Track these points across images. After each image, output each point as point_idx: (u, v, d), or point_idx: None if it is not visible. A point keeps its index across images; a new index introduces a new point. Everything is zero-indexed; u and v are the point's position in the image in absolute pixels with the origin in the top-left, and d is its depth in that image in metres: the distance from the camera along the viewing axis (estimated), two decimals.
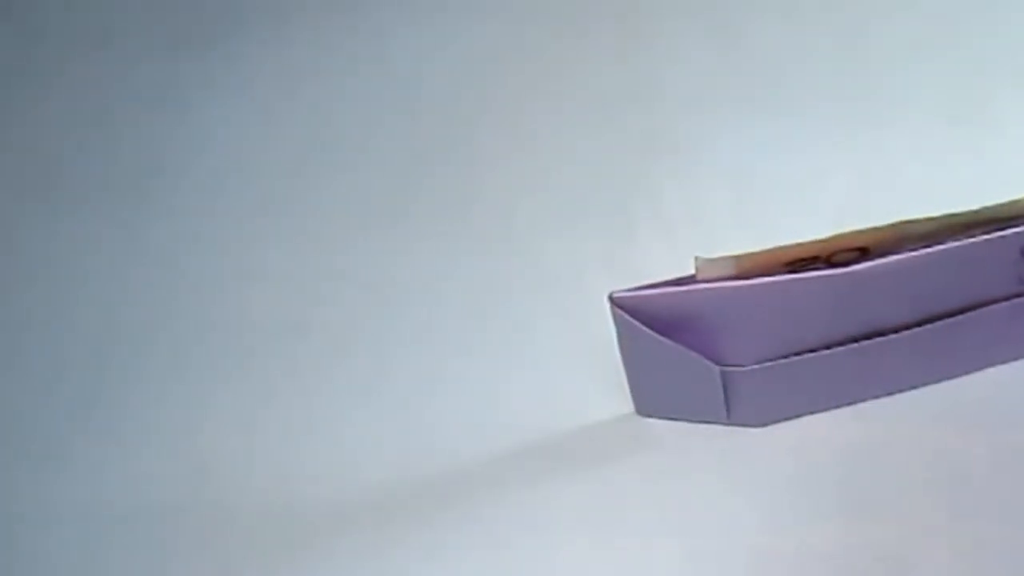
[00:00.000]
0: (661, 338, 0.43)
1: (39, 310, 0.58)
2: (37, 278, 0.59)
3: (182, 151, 0.63)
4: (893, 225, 0.41)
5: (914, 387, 0.48)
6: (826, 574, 0.44)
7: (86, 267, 0.59)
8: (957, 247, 0.42)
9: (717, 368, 0.44)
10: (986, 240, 0.42)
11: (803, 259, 0.41)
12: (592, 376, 0.50)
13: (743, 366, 0.44)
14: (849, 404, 0.48)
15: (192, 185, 0.61)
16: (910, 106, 0.57)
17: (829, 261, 0.41)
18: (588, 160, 0.58)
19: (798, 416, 0.47)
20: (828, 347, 0.44)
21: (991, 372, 0.48)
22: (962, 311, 0.45)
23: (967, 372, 0.48)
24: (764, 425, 0.47)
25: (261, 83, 0.65)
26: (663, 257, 0.49)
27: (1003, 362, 0.48)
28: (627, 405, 0.49)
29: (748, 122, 0.58)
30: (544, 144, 0.60)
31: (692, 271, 0.43)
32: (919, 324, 0.44)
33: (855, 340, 0.44)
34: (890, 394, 0.48)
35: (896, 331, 0.44)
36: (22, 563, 0.49)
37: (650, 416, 0.48)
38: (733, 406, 0.46)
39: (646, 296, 0.43)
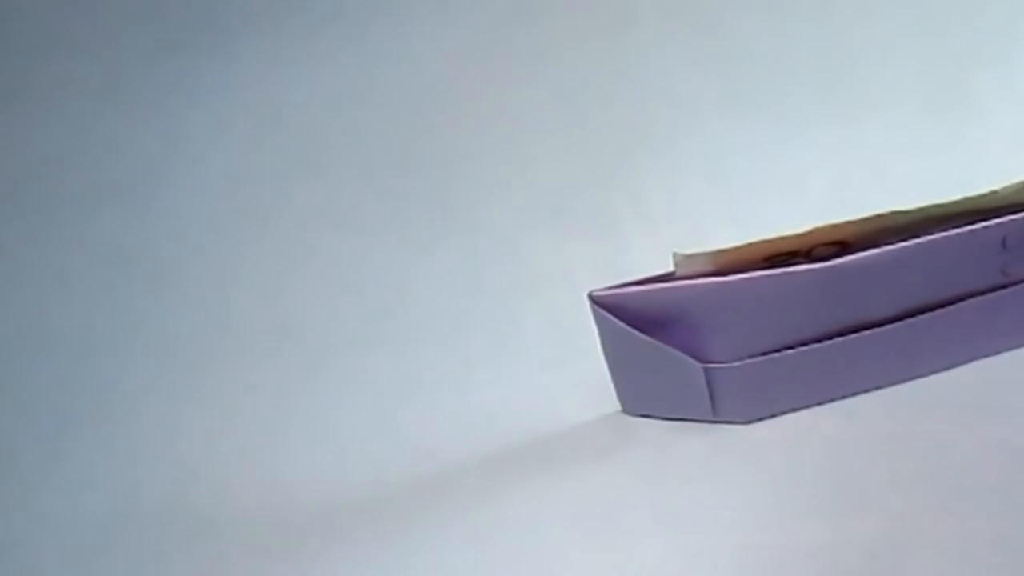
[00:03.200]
0: (643, 336, 0.43)
1: (26, 313, 0.58)
2: (24, 281, 0.59)
3: (172, 154, 0.63)
4: (872, 218, 0.41)
5: (899, 381, 0.47)
6: (815, 570, 0.44)
7: (73, 271, 0.59)
8: (937, 239, 0.41)
9: (700, 366, 0.44)
10: (967, 231, 0.42)
11: (782, 254, 0.41)
12: (578, 375, 0.50)
13: (727, 363, 0.44)
14: (834, 399, 0.48)
15: (181, 188, 0.61)
16: (890, 99, 0.57)
17: (808, 256, 0.41)
18: (570, 159, 0.59)
19: (783, 412, 0.47)
20: (811, 342, 0.44)
21: (977, 365, 0.48)
22: (945, 304, 0.44)
23: (952, 366, 0.47)
24: (750, 422, 0.47)
25: (250, 87, 0.65)
26: (646, 255, 0.48)
27: (987, 355, 0.48)
28: (613, 404, 0.49)
29: (730, 119, 0.58)
30: (527, 143, 0.60)
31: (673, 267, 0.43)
32: (902, 318, 0.44)
33: (838, 335, 0.44)
34: (875, 389, 0.48)
35: (879, 325, 0.44)
36: (7, 572, 0.49)
37: (637, 415, 0.48)
38: (718, 403, 0.46)
39: (626, 294, 0.43)
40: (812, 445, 0.47)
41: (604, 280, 0.45)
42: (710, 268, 0.41)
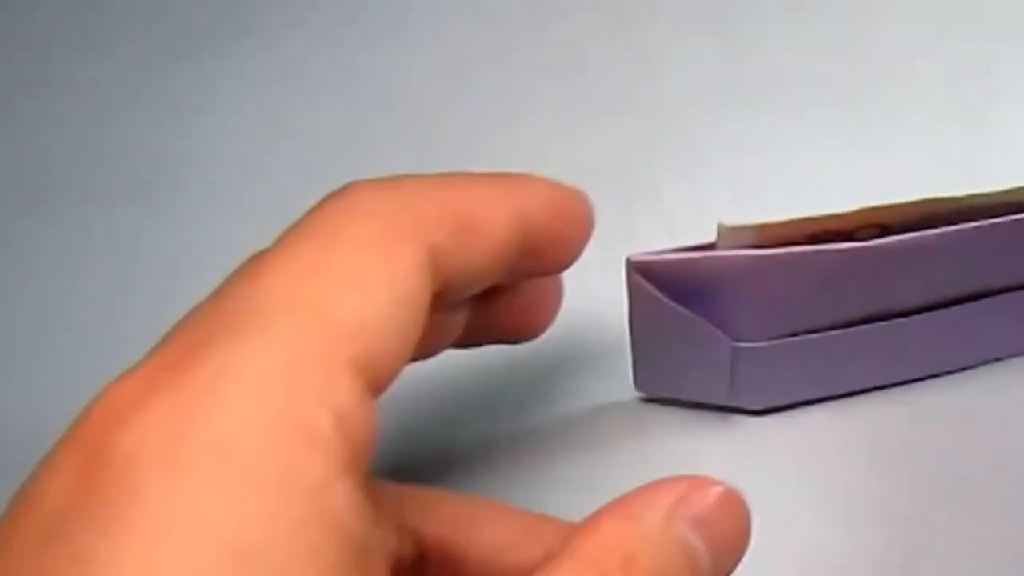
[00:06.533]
0: (675, 305, 0.42)
1: (37, 310, 0.58)
2: (34, 279, 0.59)
3: (190, 153, 0.63)
4: (917, 203, 0.40)
5: (926, 374, 0.47)
6: (827, 572, 0.44)
7: (89, 269, 0.59)
8: (981, 227, 0.40)
9: (728, 340, 0.43)
10: (1009, 221, 0.41)
11: (826, 232, 0.40)
12: (592, 372, 0.50)
13: (754, 342, 0.43)
14: (854, 391, 0.47)
15: (199, 187, 0.61)
16: (912, 101, 0.57)
17: (851, 237, 0.40)
18: (589, 158, 0.58)
19: (800, 402, 0.47)
20: (840, 327, 0.43)
21: (996, 368, 0.48)
22: (980, 296, 0.44)
23: (981, 361, 0.47)
24: (765, 407, 0.47)
25: (268, 88, 0.64)
26: None
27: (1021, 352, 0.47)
28: (627, 392, 0.49)
29: (749, 121, 0.58)
30: (546, 143, 0.60)
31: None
32: (936, 307, 0.43)
33: (869, 321, 0.43)
34: (899, 382, 0.47)
35: (914, 313, 0.43)
36: None
37: (649, 393, 0.48)
38: (736, 384, 0.46)
39: (665, 260, 0.41)
40: (825, 448, 0.47)
41: (620, 279, 0.45)
42: (754, 241, 0.40)
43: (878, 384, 0.47)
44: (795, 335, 0.44)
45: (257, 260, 0.31)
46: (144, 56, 0.67)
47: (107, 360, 0.55)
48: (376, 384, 0.30)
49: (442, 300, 0.33)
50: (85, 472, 0.27)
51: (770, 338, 0.44)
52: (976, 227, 0.41)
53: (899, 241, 0.40)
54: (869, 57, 0.59)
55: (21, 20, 0.70)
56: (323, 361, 0.28)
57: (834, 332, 0.44)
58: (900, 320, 0.44)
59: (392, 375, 0.31)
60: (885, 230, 0.40)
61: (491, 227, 0.34)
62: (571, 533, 0.31)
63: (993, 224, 0.41)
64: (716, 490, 0.32)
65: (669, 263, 0.42)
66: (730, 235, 0.41)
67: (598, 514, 0.32)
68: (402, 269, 0.31)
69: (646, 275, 0.42)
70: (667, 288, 0.42)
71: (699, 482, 0.32)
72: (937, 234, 0.40)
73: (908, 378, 0.47)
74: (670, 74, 0.61)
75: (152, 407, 0.27)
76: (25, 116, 0.65)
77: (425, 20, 0.66)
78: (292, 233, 0.32)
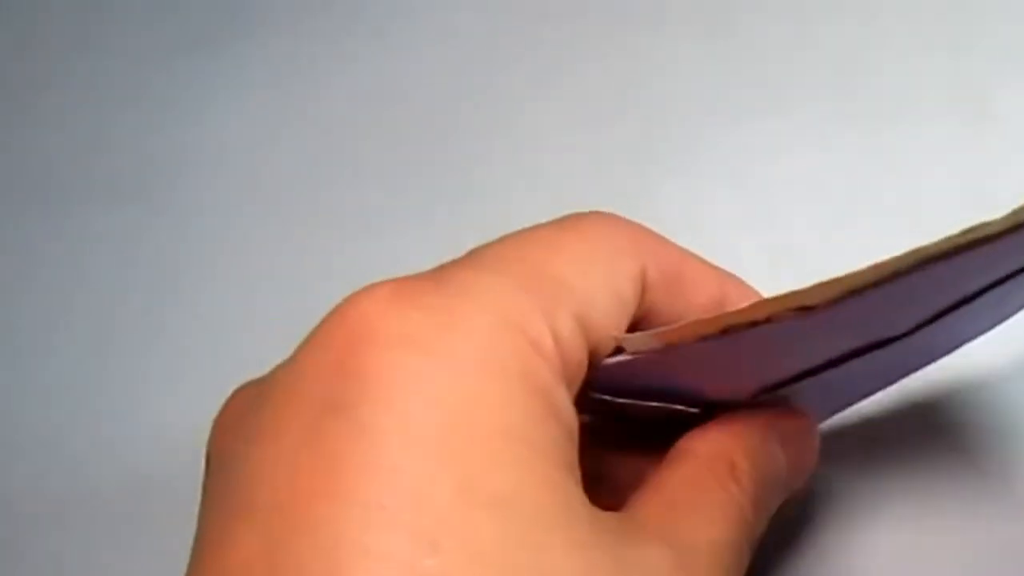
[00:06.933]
0: (626, 400, 0.38)
1: (37, 310, 0.58)
2: (35, 279, 0.59)
3: (193, 152, 0.63)
4: (832, 282, 0.33)
5: (921, 367, 0.45)
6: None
7: (92, 268, 0.59)
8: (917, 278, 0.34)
9: (697, 412, 0.40)
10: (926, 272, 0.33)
11: (739, 325, 0.34)
12: None
13: (734, 399, 0.40)
14: (875, 393, 0.46)
15: (202, 186, 0.61)
16: (912, 105, 0.57)
17: (768, 323, 0.35)
18: (584, 162, 0.58)
19: (825, 418, 0.45)
20: (827, 367, 0.40)
21: (998, 370, 0.47)
22: (961, 304, 0.41)
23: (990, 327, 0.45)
24: None
25: (271, 86, 0.64)
26: None
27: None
28: None
29: (747, 123, 0.58)
30: (539, 146, 0.60)
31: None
32: (921, 326, 0.39)
33: (856, 352, 0.39)
34: (902, 378, 0.46)
35: (897, 338, 0.39)
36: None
37: None
38: None
39: (603, 366, 0.36)
40: (830, 454, 0.47)
41: None
42: (658, 345, 0.35)
43: (896, 381, 0.45)
44: (770, 390, 0.39)
45: (508, 234, 0.36)
46: (144, 55, 0.67)
47: (107, 358, 0.56)
48: (587, 339, 0.34)
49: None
50: (353, 351, 0.30)
51: (752, 395, 0.39)
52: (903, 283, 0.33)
53: (847, 305, 0.34)
54: (868, 61, 0.59)
55: (21, 20, 0.70)
56: (547, 297, 0.33)
57: (814, 378, 0.40)
58: (890, 346, 0.40)
59: (598, 347, 0.34)
60: (808, 311, 0.34)
61: (696, 291, 0.39)
62: (680, 441, 0.37)
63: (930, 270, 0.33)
64: (797, 417, 0.39)
65: (607, 368, 0.36)
66: (632, 343, 0.36)
67: (705, 428, 0.37)
68: (617, 269, 0.36)
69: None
70: (608, 390, 0.37)
71: (784, 410, 0.39)
72: (862, 300, 0.33)
73: (924, 365, 0.44)
74: (669, 77, 0.60)
75: (412, 304, 0.31)
76: (25, 116, 0.65)
77: (425, 21, 0.65)
78: (547, 222, 0.37)
